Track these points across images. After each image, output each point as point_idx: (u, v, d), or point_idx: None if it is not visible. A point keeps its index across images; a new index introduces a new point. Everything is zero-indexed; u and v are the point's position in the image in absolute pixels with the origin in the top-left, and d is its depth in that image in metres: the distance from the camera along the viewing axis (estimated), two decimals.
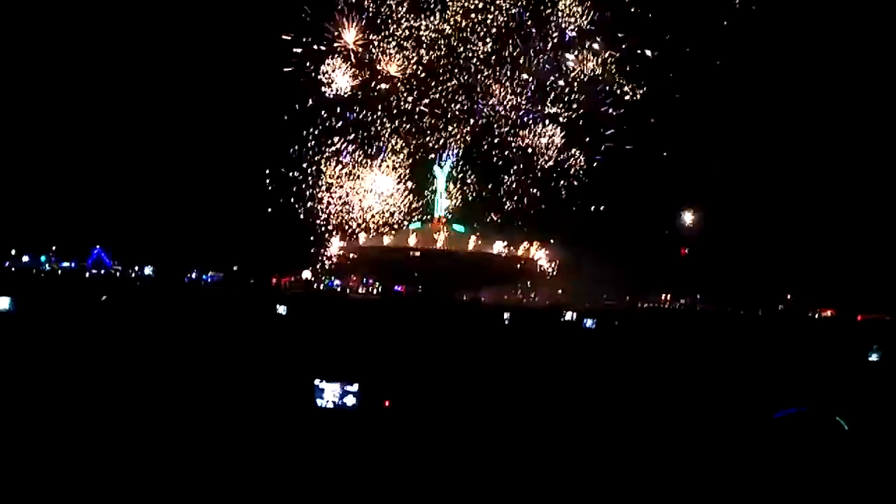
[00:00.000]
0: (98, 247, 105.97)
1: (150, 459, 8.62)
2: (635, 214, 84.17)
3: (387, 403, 11.88)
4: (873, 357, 24.71)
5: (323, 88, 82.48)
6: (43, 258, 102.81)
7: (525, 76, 78.31)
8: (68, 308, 28.49)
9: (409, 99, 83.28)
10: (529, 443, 10.48)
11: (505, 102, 79.79)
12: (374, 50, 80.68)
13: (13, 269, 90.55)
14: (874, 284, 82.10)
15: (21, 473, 7.94)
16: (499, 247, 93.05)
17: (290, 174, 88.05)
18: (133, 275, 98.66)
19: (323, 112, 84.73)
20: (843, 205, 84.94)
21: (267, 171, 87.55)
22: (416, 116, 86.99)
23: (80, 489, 7.60)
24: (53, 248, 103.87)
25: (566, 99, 78.66)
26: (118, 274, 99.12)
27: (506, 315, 34.78)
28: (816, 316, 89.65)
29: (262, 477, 8.26)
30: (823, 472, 8.83)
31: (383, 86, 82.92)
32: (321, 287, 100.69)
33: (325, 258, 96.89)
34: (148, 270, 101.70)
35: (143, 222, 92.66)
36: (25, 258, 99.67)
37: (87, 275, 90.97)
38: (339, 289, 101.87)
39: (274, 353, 17.99)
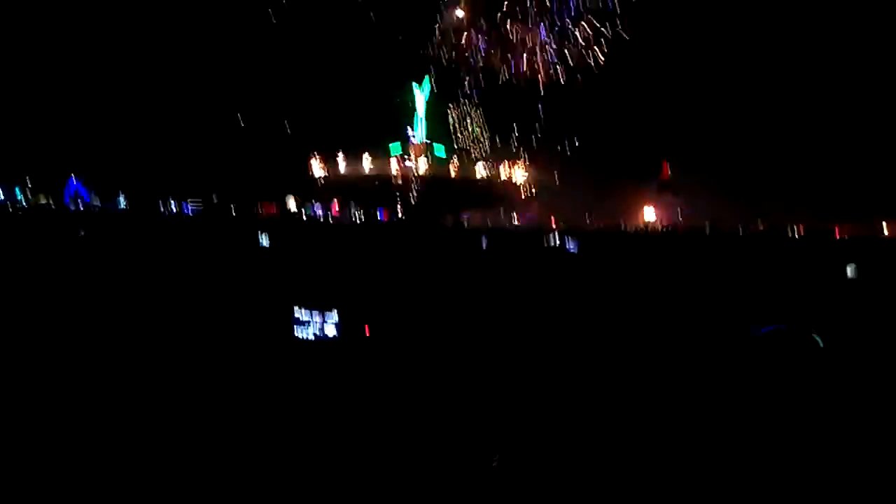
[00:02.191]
0: (73, 176, 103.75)
1: (134, 389, 8.61)
2: (619, 135, 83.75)
3: (367, 331, 11.87)
4: (850, 273, 25.06)
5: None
6: (17, 190, 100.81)
7: None
8: (46, 245, 28.14)
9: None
10: (511, 364, 10.55)
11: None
12: None
13: None
14: (853, 202, 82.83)
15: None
16: (480, 170, 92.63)
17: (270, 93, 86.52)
18: (111, 208, 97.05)
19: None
20: (820, 123, 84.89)
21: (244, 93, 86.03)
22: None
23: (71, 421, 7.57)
24: (28, 179, 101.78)
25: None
26: (96, 208, 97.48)
27: (485, 239, 34.78)
28: (795, 234, 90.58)
29: (243, 406, 8.26)
30: (800, 389, 8.96)
31: None
32: (302, 215, 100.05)
33: (306, 185, 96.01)
34: (122, 203, 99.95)
35: (119, 150, 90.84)
36: None
37: (64, 209, 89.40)
38: (319, 216, 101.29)
39: (255, 284, 17.92)
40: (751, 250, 40.70)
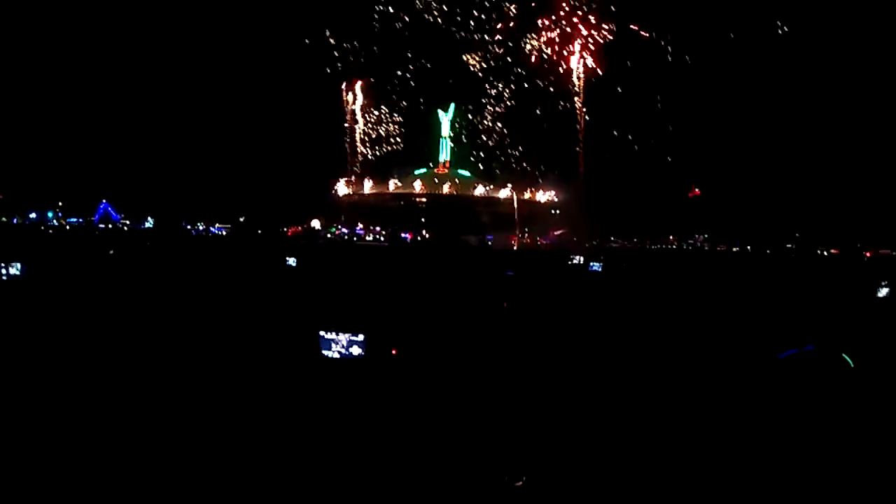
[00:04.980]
0: (105, 201, 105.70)
1: (161, 410, 8.69)
2: (645, 157, 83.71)
3: (394, 352, 11.90)
4: (882, 293, 24.61)
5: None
6: (50, 213, 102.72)
7: None
8: (77, 266, 28.56)
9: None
10: (535, 386, 10.52)
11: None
12: None
13: (20, 223, 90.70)
14: (882, 223, 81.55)
15: (33, 430, 8.02)
16: (505, 192, 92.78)
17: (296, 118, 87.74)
18: (140, 228, 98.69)
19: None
20: (849, 145, 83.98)
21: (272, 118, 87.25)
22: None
23: (96, 441, 7.67)
24: (60, 203, 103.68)
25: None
26: (125, 228, 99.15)
27: (510, 262, 34.84)
28: (825, 254, 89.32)
29: (269, 427, 8.30)
30: (829, 409, 8.85)
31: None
32: (327, 235, 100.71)
33: (331, 207, 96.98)
34: (151, 223, 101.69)
35: (149, 174, 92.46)
36: (33, 214, 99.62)
37: (96, 231, 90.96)
38: (345, 237, 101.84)
39: (281, 305, 18.02)
40: (780, 269, 40.20)
